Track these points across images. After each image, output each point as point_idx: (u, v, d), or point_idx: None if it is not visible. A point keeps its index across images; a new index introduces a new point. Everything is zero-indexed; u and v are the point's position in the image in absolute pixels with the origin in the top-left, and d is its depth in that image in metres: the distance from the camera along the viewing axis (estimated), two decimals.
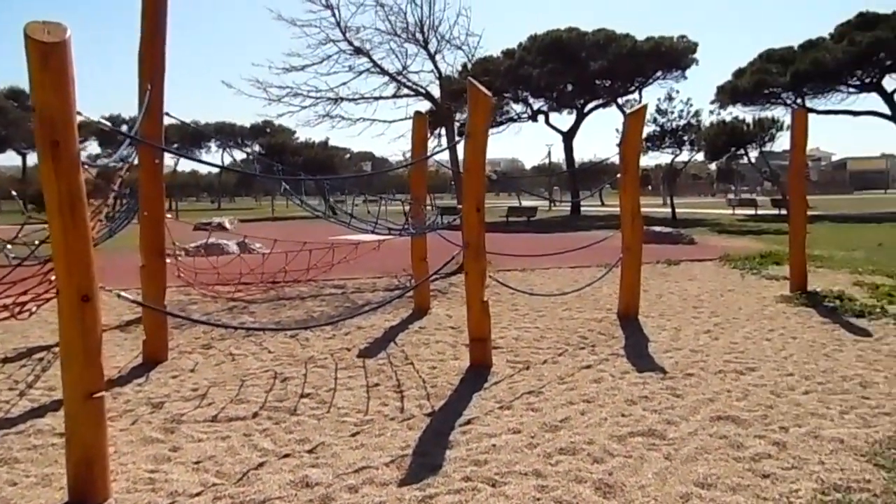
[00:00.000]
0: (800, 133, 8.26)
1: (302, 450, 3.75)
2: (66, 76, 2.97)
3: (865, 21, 31.35)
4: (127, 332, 6.93)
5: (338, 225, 7.53)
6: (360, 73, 12.39)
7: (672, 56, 31.38)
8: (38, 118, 2.95)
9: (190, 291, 8.83)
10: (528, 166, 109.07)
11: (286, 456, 3.66)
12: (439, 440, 3.88)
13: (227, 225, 26.39)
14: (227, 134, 59.89)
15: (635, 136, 7.14)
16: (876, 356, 5.52)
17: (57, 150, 2.95)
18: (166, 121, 5.71)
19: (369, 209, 6.86)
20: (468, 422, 4.17)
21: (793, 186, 8.56)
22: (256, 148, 64.18)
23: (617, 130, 35.62)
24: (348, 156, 73.95)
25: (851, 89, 33.17)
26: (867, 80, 32.55)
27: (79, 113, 3.11)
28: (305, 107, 12.50)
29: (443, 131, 14.42)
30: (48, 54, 2.91)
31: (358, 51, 12.09)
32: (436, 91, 13.02)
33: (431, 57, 12.09)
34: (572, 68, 30.50)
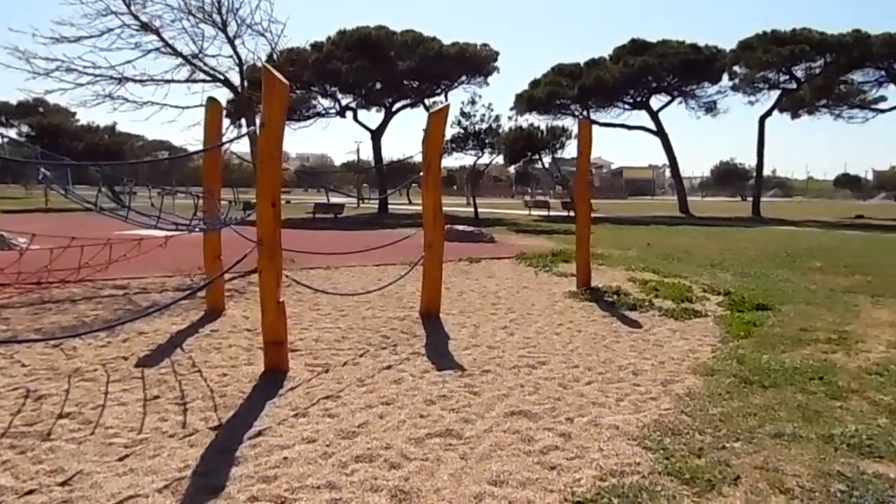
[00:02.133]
0: (585, 141, 8.96)
1: (52, 483, 3.19)
2: None
3: (637, 47, 35.40)
4: None
5: (111, 217, 6.68)
6: (148, 52, 11.26)
7: (475, 62, 32.84)
8: None
9: None
10: (337, 163, 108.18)
11: (30, 493, 3.08)
12: (225, 457, 3.53)
13: None
14: None
15: (437, 136, 7.22)
16: (645, 346, 6.11)
17: None
18: None
19: (153, 202, 6.16)
20: (259, 433, 3.86)
21: (579, 190, 9.27)
22: (25, 129, 56.19)
23: (423, 130, 36.55)
24: (141, 143, 67.60)
25: (626, 106, 37.31)
26: (638, 99, 36.79)
27: None
28: (82, 84, 11.05)
29: (244, 122, 13.58)
30: None
31: (145, 27, 10.96)
32: (236, 78, 12.23)
33: (230, 41, 11.34)
34: (381, 66, 30.63)
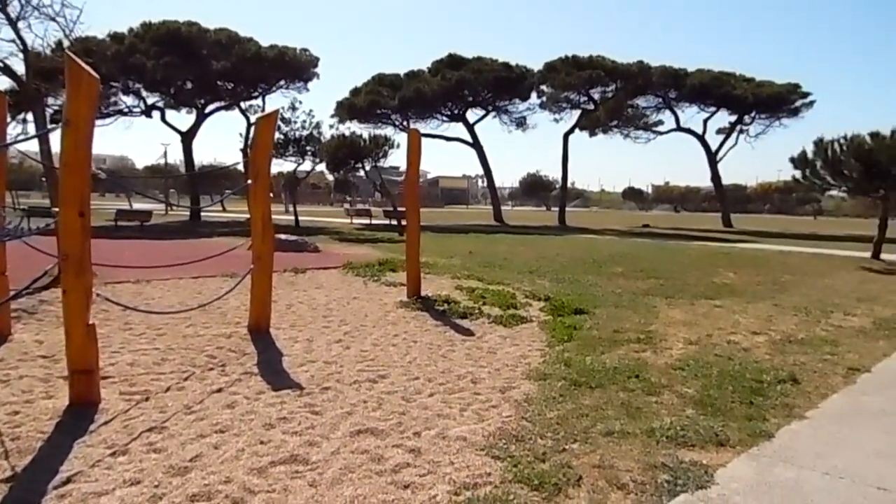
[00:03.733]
0: (414, 151, 9.06)
1: None
2: None
3: (454, 61, 36.83)
4: None
5: None
6: None
7: (295, 66, 31.98)
8: None
9: None
10: (139, 165, 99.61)
11: None
12: None
13: None
14: None
15: (266, 142, 6.87)
16: (480, 353, 6.27)
17: None
18: None
19: None
20: (67, 480, 3.33)
21: (409, 199, 9.34)
22: None
23: (240, 134, 34.84)
24: None
25: (444, 117, 38.60)
26: (456, 112, 38.26)
27: None
28: None
29: (30, 116, 11.92)
30: None
31: None
32: (20, 67, 10.67)
33: (12, 23, 9.83)
34: (192, 65, 28.65)
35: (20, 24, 9.90)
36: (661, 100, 39.35)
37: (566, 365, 5.77)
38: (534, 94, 38.09)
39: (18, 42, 9.99)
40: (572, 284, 11.13)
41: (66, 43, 12.82)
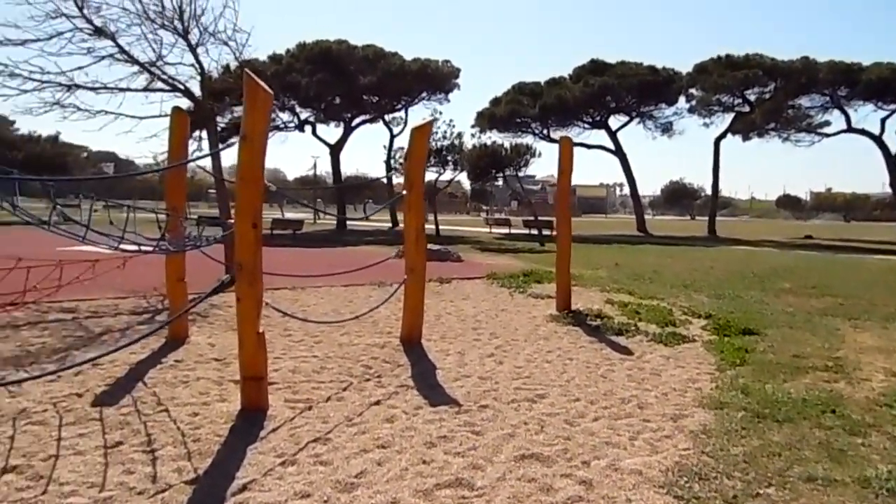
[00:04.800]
0: (566, 159, 8.74)
1: None
2: None
3: (597, 67, 35.91)
4: None
5: (65, 236, 6.07)
6: (102, 58, 10.53)
7: (437, 78, 32.71)
8: None
9: None
10: (290, 177, 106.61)
11: None
12: None
13: None
14: None
15: (421, 153, 6.86)
16: (642, 375, 5.83)
17: None
18: None
19: (112, 219, 5.59)
20: (243, 487, 3.39)
21: (560, 209, 9.02)
22: None
23: (384, 146, 36.18)
24: (86, 155, 65.14)
25: (586, 125, 37.71)
26: (597, 118, 37.24)
27: None
28: (27, 91, 10.26)
29: (204, 134, 12.97)
30: None
31: (99, 31, 10.26)
32: (196, 88, 11.63)
33: (192, 49, 10.69)
34: (341, 81, 30.18)
35: (199, 50, 10.71)
36: (828, 98, 35.78)
37: (743, 393, 5.19)
38: (682, 98, 36.21)
39: (197, 66, 10.85)
40: (734, 301, 10.24)
41: (233, 65, 13.80)
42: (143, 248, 5.50)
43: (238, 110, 22.74)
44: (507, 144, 26.79)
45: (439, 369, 5.89)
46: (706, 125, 37.05)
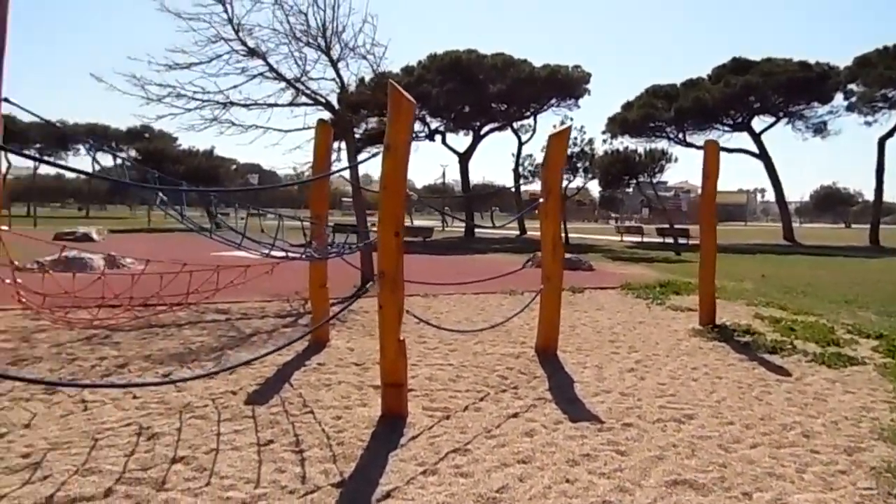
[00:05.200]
0: (712, 164, 8.21)
1: None
2: None
3: (739, 66, 33.77)
4: None
5: (223, 243, 6.54)
6: (254, 76, 11.32)
7: (567, 84, 32.23)
8: None
9: (36, 315, 7.41)
10: (419, 185, 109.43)
11: None
12: None
13: (95, 236, 23.98)
14: (99, 136, 55.24)
15: (558, 159, 6.71)
16: (804, 399, 5.30)
17: None
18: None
19: (263, 227, 5.92)
20: (387, 495, 3.41)
21: (705, 216, 8.48)
22: (132, 153, 59.81)
23: (512, 154, 36.14)
24: (234, 167, 70.63)
25: (726, 128, 35.56)
26: (739, 120, 34.99)
27: None
28: (190, 109, 11.24)
29: (342, 145, 13.55)
30: None
31: (252, 52, 11.03)
32: (336, 101, 12.20)
33: (334, 64, 11.23)
34: (471, 90, 30.54)
35: (339, 65, 11.23)
36: None
37: None
38: (838, 96, 33.16)
39: (338, 80, 11.39)
40: None
41: (368, 78, 14.33)
42: (289, 254, 5.77)
43: (373, 122, 23.66)
44: (640, 150, 25.82)
45: (577, 382, 5.69)
46: (868, 124, 33.65)
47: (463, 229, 35.36)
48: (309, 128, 13.54)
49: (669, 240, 25.74)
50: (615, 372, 6.07)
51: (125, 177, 4.81)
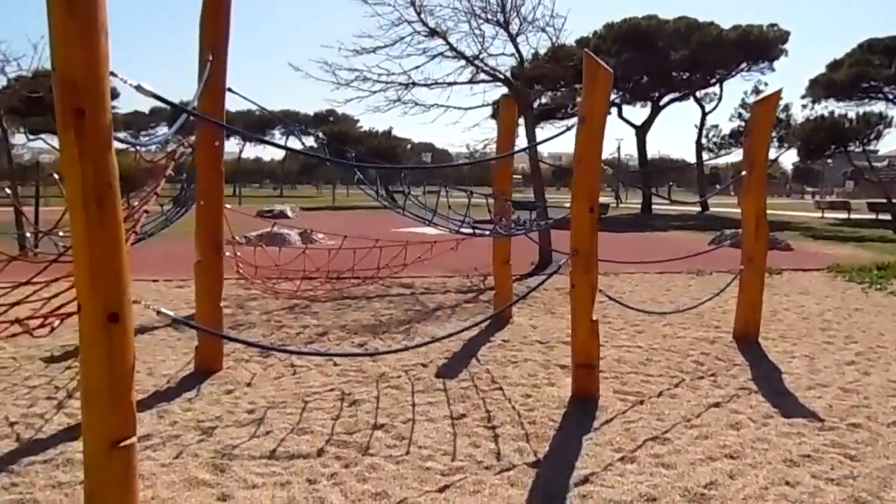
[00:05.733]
0: None
1: None
2: (95, 24, 2.23)
3: None
4: (181, 330, 6.30)
5: (404, 217, 6.75)
6: (434, 56, 11.58)
7: (760, 46, 29.30)
8: (59, 80, 2.22)
9: (249, 285, 8.22)
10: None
11: None
12: None
13: (290, 213, 26.20)
14: (291, 121, 60.35)
15: (764, 128, 6.08)
16: None
17: (81, 121, 2.22)
18: (228, 106, 5.03)
19: (450, 203, 6.01)
20: (585, 479, 3.30)
21: None
22: (319, 135, 64.46)
23: (695, 126, 33.84)
24: (409, 146, 73.51)
25: None
26: None
27: (112, 73, 2.38)
28: (375, 91, 11.78)
29: (521, 120, 13.48)
30: None
31: (433, 32, 11.27)
32: (513, 77, 12.12)
33: (512, 39, 11.14)
34: (649, 59, 28.84)
35: (518, 39, 11.14)
36: None
37: None
38: None
39: (517, 55, 11.32)
40: None
41: (540, 52, 14.05)
42: (476, 231, 5.82)
43: (547, 96, 23.28)
44: (851, 115, 22.82)
45: (785, 374, 5.16)
46: None
47: (639, 205, 33.81)
48: (487, 105, 13.66)
49: (885, 216, 22.63)
50: (831, 364, 5.43)
51: (326, 155, 5.10)
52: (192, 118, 4.22)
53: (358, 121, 48.94)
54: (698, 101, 33.91)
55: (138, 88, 2.57)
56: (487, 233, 6.36)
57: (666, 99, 33.72)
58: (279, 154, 77.35)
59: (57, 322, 2.92)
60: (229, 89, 4.90)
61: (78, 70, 2.21)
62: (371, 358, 5.45)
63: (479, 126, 13.81)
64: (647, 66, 29.50)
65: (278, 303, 7.80)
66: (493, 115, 28.15)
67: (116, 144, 2.45)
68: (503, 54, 11.66)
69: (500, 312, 7.10)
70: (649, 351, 5.83)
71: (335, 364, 5.29)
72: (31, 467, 3.31)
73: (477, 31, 11.38)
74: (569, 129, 4.36)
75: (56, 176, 4.71)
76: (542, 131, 22.32)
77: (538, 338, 6.33)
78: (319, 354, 5.19)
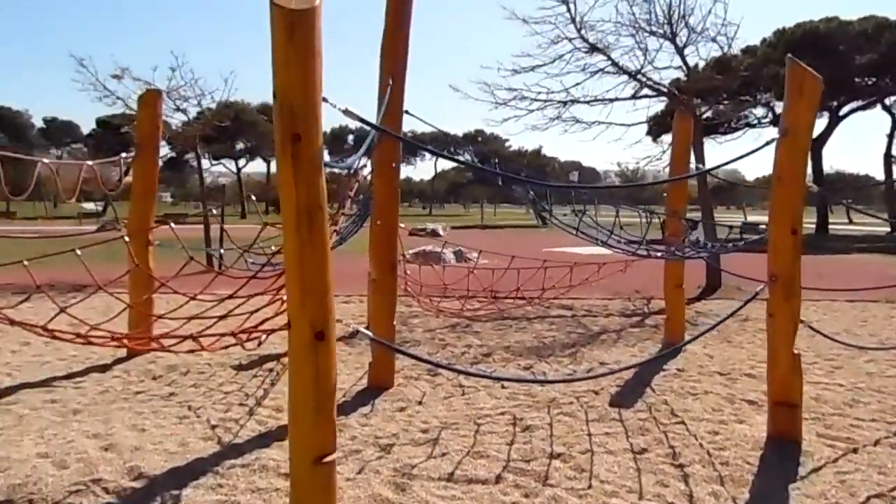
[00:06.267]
0: None
1: None
2: (313, 49, 2.33)
3: None
4: (351, 345, 6.52)
5: (553, 236, 6.54)
6: (594, 73, 11.30)
7: None
8: (278, 106, 2.33)
9: (411, 302, 8.38)
10: (749, 177, 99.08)
11: None
12: None
13: (441, 231, 26.81)
14: (440, 142, 62.09)
15: None
16: None
17: (298, 145, 2.31)
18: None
19: (621, 225, 5.74)
20: None
21: None
22: (467, 156, 65.83)
23: (887, 136, 30.46)
24: (556, 165, 72.90)
25: None
26: None
27: (324, 100, 2.47)
28: (532, 110, 11.72)
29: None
30: (294, 24, 2.28)
31: (593, 48, 11.01)
32: (674, 91, 11.52)
33: (679, 51, 10.61)
34: (829, 64, 26.13)
35: (686, 51, 10.59)
36: None
37: None
38: None
39: (684, 67, 10.76)
40: None
41: (699, 65, 13.26)
42: (651, 253, 5.50)
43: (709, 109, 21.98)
44: None
45: None
46: None
47: (814, 226, 30.86)
48: (642, 122, 13.12)
49: None
50: None
51: (498, 173, 5.07)
52: (374, 140, 4.35)
53: (507, 140, 49.32)
54: (887, 108, 30.42)
55: (346, 112, 2.65)
56: (659, 255, 6.00)
57: (846, 108, 30.61)
58: (428, 174, 79.90)
59: (264, 336, 3.08)
60: (406, 111, 5.03)
61: (296, 96, 2.31)
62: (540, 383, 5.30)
63: (641, 143, 13.24)
64: (826, 73, 26.76)
65: (439, 321, 7.89)
66: (649, 132, 27.22)
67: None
68: (670, 67, 11.13)
69: (668, 338, 6.69)
70: (854, 390, 5.17)
71: (503, 387, 5.20)
72: (232, 470, 3.52)
73: (641, 45, 10.98)
74: (768, 143, 3.97)
75: (254, 198, 5.07)
76: (761, 145, 21.00)
77: (717, 368, 5.85)
78: (505, 380, 5.11)
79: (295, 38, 2.27)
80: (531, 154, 49.33)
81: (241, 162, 60.62)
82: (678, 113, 6.43)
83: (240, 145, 56.42)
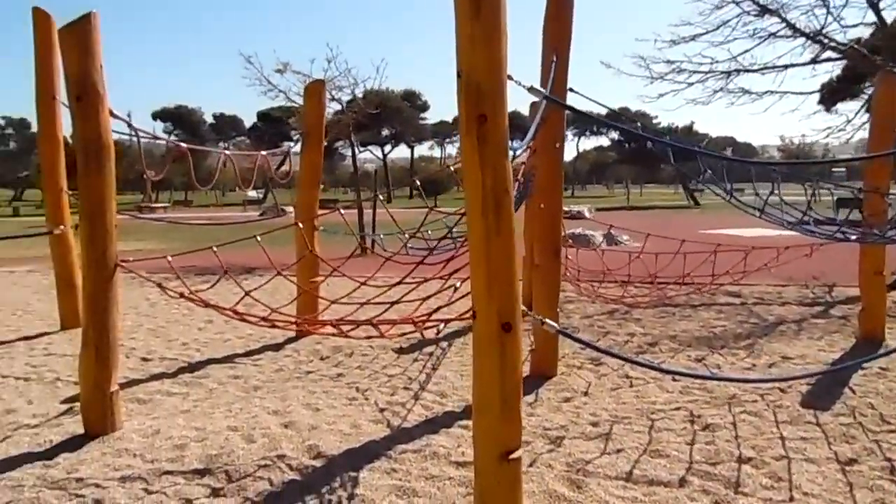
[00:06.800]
0: None
1: None
2: (498, 27, 2.19)
3: None
4: None
5: (708, 218, 5.97)
6: (764, 38, 10.28)
7: None
8: (464, 85, 2.22)
9: (565, 286, 8.12)
10: None
11: None
12: None
13: (587, 213, 26.09)
14: (584, 121, 60.25)
15: None
16: None
17: (483, 127, 2.20)
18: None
19: (783, 200, 5.11)
20: None
21: None
22: (613, 135, 63.54)
23: None
24: (705, 142, 68.30)
25: None
26: None
27: (509, 77, 2.33)
28: (692, 83, 10.90)
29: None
30: (481, 1, 2.15)
31: (764, 10, 10.01)
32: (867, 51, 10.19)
33: (873, 5, 9.35)
34: None
35: (881, 4, 9.32)
36: None
37: None
38: None
39: (878, 23, 9.49)
40: None
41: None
42: (840, 235, 4.86)
43: None
44: None
45: None
46: None
47: None
48: (822, 88, 11.79)
49: None
50: None
51: (668, 150, 4.70)
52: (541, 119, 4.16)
53: (655, 116, 46.84)
54: None
55: (531, 90, 2.50)
56: (854, 237, 5.29)
57: None
58: (569, 154, 78.15)
59: (442, 325, 3.04)
60: (570, 89, 4.79)
61: (481, 74, 2.19)
62: (711, 373, 4.88)
63: (821, 112, 11.84)
64: None
65: (596, 307, 7.60)
66: (821, 101, 24.59)
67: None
68: (860, 24, 9.85)
69: (865, 332, 5.93)
70: None
71: (674, 379, 4.86)
72: (404, 455, 3.54)
73: (816, 4, 9.81)
74: None
75: (418, 182, 5.08)
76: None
77: None
78: (694, 377, 4.78)
79: (482, 15, 2.15)
80: (682, 130, 46.52)
81: (387, 148, 62.82)
82: (882, 74, 5.60)
83: (385, 132, 58.44)
